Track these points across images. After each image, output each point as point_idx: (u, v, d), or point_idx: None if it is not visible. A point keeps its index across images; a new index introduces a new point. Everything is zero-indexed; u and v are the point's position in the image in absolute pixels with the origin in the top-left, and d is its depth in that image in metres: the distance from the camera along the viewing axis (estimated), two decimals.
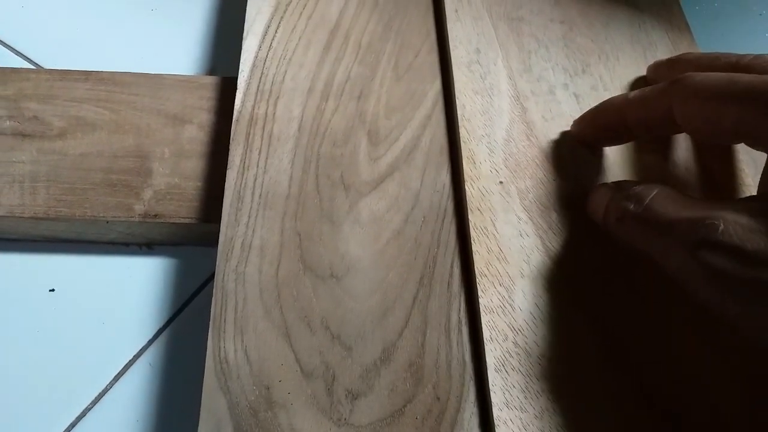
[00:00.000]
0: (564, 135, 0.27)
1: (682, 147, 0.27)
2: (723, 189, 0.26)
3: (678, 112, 0.22)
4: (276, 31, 0.30)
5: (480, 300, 0.22)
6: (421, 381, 0.21)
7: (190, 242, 0.28)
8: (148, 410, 0.24)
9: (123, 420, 0.24)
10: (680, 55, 0.28)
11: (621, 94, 0.25)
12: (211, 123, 0.29)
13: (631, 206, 0.21)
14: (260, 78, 0.28)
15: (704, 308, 0.19)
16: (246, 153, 0.26)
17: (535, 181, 0.25)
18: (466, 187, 0.25)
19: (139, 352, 0.26)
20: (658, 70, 0.29)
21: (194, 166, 0.28)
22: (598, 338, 0.22)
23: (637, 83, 0.29)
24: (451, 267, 0.24)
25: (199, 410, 0.20)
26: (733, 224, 0.18)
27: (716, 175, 0.26)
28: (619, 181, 0.23)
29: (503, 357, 0.21)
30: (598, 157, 0.26)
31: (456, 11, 0.31)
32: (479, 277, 0.23)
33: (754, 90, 0.20)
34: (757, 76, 0.20)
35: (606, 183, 0.24)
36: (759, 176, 0.22)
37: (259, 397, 0.20)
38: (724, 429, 0.21)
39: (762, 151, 0.21)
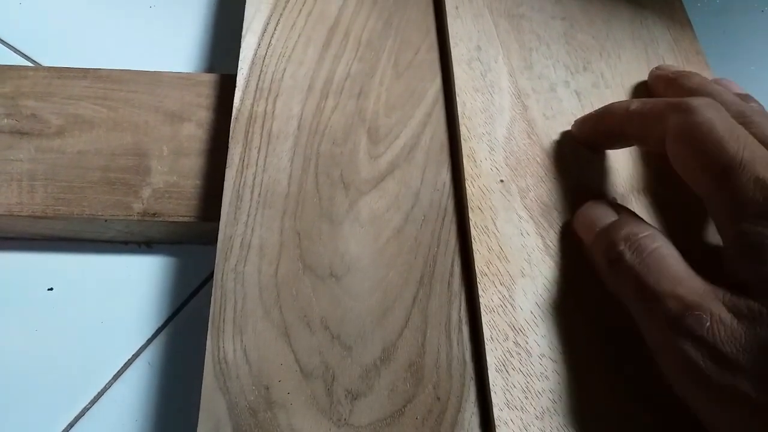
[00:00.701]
0: (565, 133, 0.27)
1: None
2: None
3: (668, 147, 0.22)
4: (275, 29, 0.29)
5: (480, 299, 0.22)
6: (421, 381, 0.21)
7: (189, 241, 0.28)
8: (147, 410, 0.24)
9: (122, 420, 0.24)
10: (681, 74, 0.27)
11: (623, 103, 0.24)
12: (210, 121, 0.29)
13: (628, 255, 0.20)
14: (259, 75, 0.28)
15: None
16: (245, 151, 0.25)
17: (536, 180, 0.25)
18: (467, 186, 0.25)
19: (138, 351, 0.26)
20: (657, 82, 0.28)
21: (193, 165, 0.27)
22: (599, 337, 0.22)
23: (639, 87, 0.29)
24: (452, 266, 0.23)
25: (198, 410, 0.20)
26: (718, 323, 0.18)
27: None
28: (622, 208, 0.23)
29: (504, 357, 0.21)
30: (601, 156, 0.26)
31: (456, 8, 0.30)
32: (480, 276, 0.23)
33: (732, 171, 0.20)
34: (749, 151, 0.20)
35: (605, 204, 0.23)
36: None
37: (258, 397, 0.20)
38: None
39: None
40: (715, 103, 0.21)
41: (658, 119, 0.22)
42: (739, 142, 0.20)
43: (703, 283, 0.19)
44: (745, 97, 0.26)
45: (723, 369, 0.17)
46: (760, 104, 0.26)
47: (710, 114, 0.21)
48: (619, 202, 0.25)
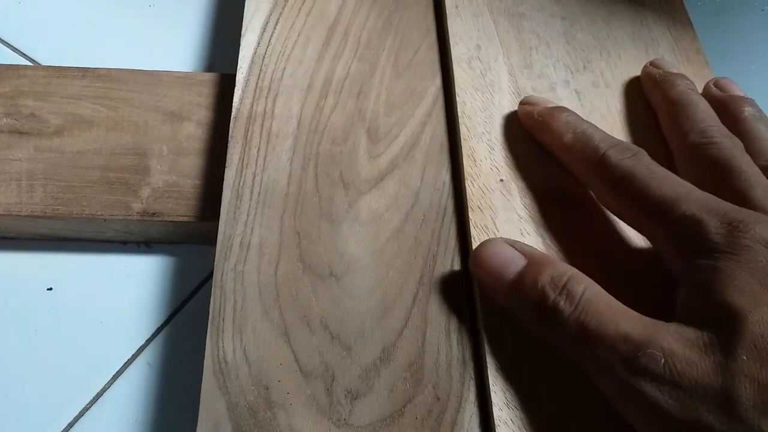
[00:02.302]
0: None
1: None
2: None
3: (597, 192, 0.23)
4: (275, 28, 0.29)
5: (479, 299, 0.22)
6: (421, 381, 0.21)
7: (189, 241, 0.28)
8: (147, 410, 0.24)
9: (121, 420, 0.24)
10: (666, 79, 0.27)
11: (562, 125, 0.25)
12: (209, 120, 0.29)
13: (561, 303, 0.19)
14: (259, 75, 0.28)
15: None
16: (245, 151, 0.25)
17: (536, 179, 0.25)
18: (467, 185, 0.25)
19: (137, 351, 0.26)
20: (646, 81, 0.29)
21: (192, 164, 0.27)
22: None
23: (639, 86, 0.29)
24: (452, 266, 0.23)
25: (197, 410, 0.20)
26: (672, 357, 0.18)
27: None
28: (526, 247, 0.22)
29: (504, 357, 0.21)
30: (613, 213, 0.26)
31: (456, 7, 0.30)
32: None
33: (664, 205, 0.20)
34: (669, 183, 0.21)
35: (504, 243, 0.22)
36: None
37: (258, 397, 0.20)
38: None
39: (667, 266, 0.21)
40: (635, 152, 0.22)
41: (584, 166, 0.23)
42: (662, 184, 0.21)
43: (642, 317, 0.19)
44: (743, 100, 0.26)
45: (684, 403, 0.17)
46: (757, 109, 0.26)
47: (629, 163, 0.22)
48: None
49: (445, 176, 0.26)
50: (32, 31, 0.34)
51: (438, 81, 0.29)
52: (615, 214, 0.23)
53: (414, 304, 0.22)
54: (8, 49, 0.33)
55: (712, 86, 0.28)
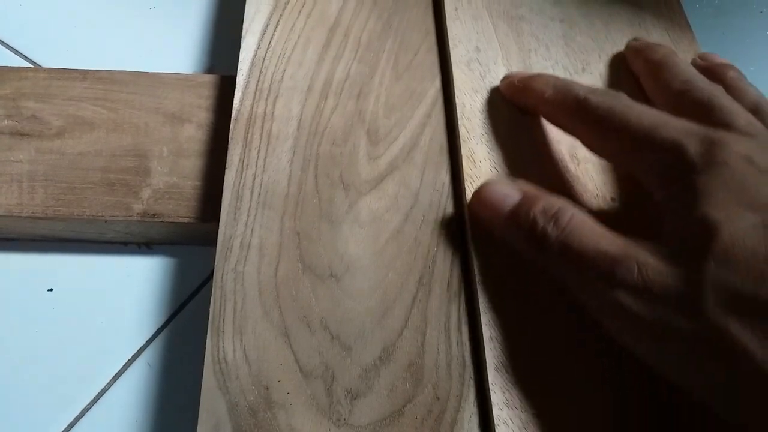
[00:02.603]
0: (564, 134, 0.27)
1: None
2: None
3: (579, 134, 0.24)
4: (275, 30, 0.29)
5: (480, 299, 0.22)
6: (420, 381, 0.21)
7: (189, 242, 0.28)
8: (147, 410, 0.24)
9: (121, 420, 0.24)
10: (648, 46, 0.29)
11: (542, 83, 0.26)
12: (209, 122, 0.29)
13: (550, 229, 0.21)
14: (259, 77, 0.28)
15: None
16: (245, 152, 0.25)
17: (535, 180, 0.25)
18: (466, 186, 0.25)
19: (137, 351, 0.26)
20: (629, 53, 0.30)
21: (193, 166, 0.27)
22: (599, 337, 0.22)
23: (617, 59, 0.30)
24: (451, 266, 0.24)
25: (197, 410, 0.20)
26: (645, 267, 0.19)
27: None
28: (523, 184, 0.23)
29: (503, 357, 0.21)
30: (600, 156, 0.26)
31: (455, 9, 0.31)
32: (479, 277, 0.23)
33: (644, 134, 0.21)
34: (647, 114, 0.22)
35: (503, 182, 0.23)
36: None
37: (258, 397, 0.20)
38: (723, 425, 0.21)
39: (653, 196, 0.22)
40: (614, 94, 0.23)
41: (568, 117, 0.24)
42: (641, 115, 0.22)
43: (623, 238, 0.20)
44: (724, 70, 0.27)
45: (655, 309, 0.18)
46: (741, 73, 0.27)
47: (609, 102, 0.23)
48: (617, 201, 0.25)
49: (445, 177, 0.26)
50: (33, 34, 0.34)
51: (437, 83, 0.29)
52: (601, 155, 0.24)
53: (414, 304, 0.23)
54: (9, 51, 0.33)
55: (697, 59, 0.29)
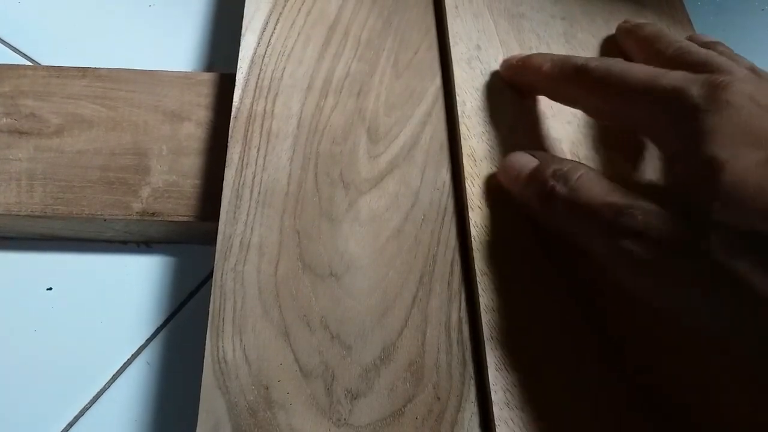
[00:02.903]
0: (565, 132, 0.27)
1: None
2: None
3: (581, 100, 0.24)
4: (275, 28, 0.29)
5: (480, 299, 0.22)
6: (421, 381, 0.21)
7: (189, 240, 0.28)
8: (146, 409, 0.24)
9: (121, 419, 0.24)
10: (637, 25, 0.29)
11: (540, 60, 0.26)
12: (209, 120, 0.29)
13: (558, 186, 0.21)
14: (259, 75, 0.28)
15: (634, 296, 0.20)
16: (244, 150, 0.25)
17: None
18: (467, 185, 0.25)
19: (137, 350, 0.26)
20: (620, 34, 0.30)
21: (192, 164, 0.27)
22: (600, 337, 0.22)
23: (608, 41, 0.30)
24: (452, 265, 0.23)
25: (197, 410, 0.20)
26: (648, 214, 0.19)
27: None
28: (542, 153, 0.24)
29: (504, 356, 0.21)
30: (600, 153, 0.26)
31: (456, 7, 0.30)
32: (480, 276, 0.23)
33: (643, 86, 0.21)
34: (656, 74, 0.21)
35: (525, 152, 0.24)
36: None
37: (258, 396, 0.20)
38: (723, 427, 0.21)
39: (661, 152, 0.22)
40: (612, 59, 0.23)
41: (569, 82, 0.24)
42: (640, 71, 0.22)
43: (629, 191, 0.20)
44: (714, 45, 0.27)
45: (660, 253, 0.18)
46: (727, 48, 0.27)
47: (607, 63, 0.23)
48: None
49: (445, 176, 0.26)
50: (32, 31, 0.34)
51: (438, 81, 0.29)
52: (601, 118, 0.25)
53: (414, 303, 0.22)
54: (8, 49, 0.33)
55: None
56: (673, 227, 0.18)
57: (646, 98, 0.21)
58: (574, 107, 0.25)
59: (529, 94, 0.27)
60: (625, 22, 0.30)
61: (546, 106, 0.27)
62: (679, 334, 0.20)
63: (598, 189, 0.21)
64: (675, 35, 0.27)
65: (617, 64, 0.23)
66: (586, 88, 0.24)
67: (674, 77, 0.21)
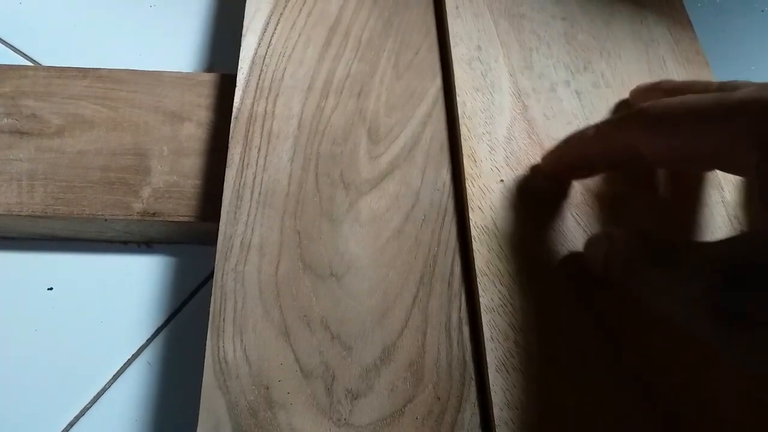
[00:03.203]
0: (565, 132, 0.27)
1: None
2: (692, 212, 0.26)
3: (643, 143, 0.21)
4: (275, 28, 0.29)
5: (480, 299, 0.22)
6: (421, 381, 0.21)
7: (189, 241, 0.28)
8: (147, 409, 0.24)
9: (122, 419, 0.24)
10: (659, 82, 0.27)
11: (585, 128, 0.24)
12: (209, 120, 0.29)
13: (632, 264, 0.20)
14: (259, 75, 0.28)
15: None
16: (245, 151, 0.25)
17: (536, 180, 0.25)
18: (467, 186, 0.25)
19: (137, 351, 0.26)
20: (637, 96, 0.28)
21: (193, 164, 0.27)
22: (600, 337, 0.22)
23: (620, 106, 0.28)
24: (452, 266, 0.23)
25: (198, 410, 0.20)
26: (737, 264, 0.17)
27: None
28: (608, 234, 0.22)
29: (504, 356, 0.21)
30: (673, 162, 0.26)
31: (456, 8, 0.30)
32: (480, 276, 0.23)
33: (722, 107, 0.19)
34: (721, 94, 0.19)
35: (597, 236, 0.23)
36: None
37: (258, 397, 0.20)
38: (722, 428, 0.21)
39: (742, 175, 0.20)
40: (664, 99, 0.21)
41: (621, 127, 0.22)
42: (702, 97, 0.20)
43: (704, 245, 0.19)
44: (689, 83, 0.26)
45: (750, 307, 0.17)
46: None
47: (663, 102, 0.21)
48: (619, 200, 0.25)
49: (446, 176, 0.26)
50: (33, 32, 0.34)
51: (438, 81, 0.29)
52: (673, 158, 0.22)
53: (414, 303, 0.22)
54: (9, 49, 0.33)
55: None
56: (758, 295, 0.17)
57: (726, 116, 0.19)
58: (634, 163, 0.23)
59: (583, 176, 0.25)
60: (637, 87, 0.28)
61: (546, 107, 0.28)
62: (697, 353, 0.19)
63: (671, 253, 0.19)
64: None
65: (673, 99, 0.21)
66: (643, 129, 0.21)
67: (748, 90, 0.19)
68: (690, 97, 0.20)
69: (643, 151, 0.22)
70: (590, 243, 0.23)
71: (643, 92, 0.27)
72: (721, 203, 0.25)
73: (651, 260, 0.20)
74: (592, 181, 0.25)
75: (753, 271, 0.17)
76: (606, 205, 0.25)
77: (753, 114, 0.19)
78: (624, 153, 0.22)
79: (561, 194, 0.25)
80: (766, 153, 0.18)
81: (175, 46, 0.35)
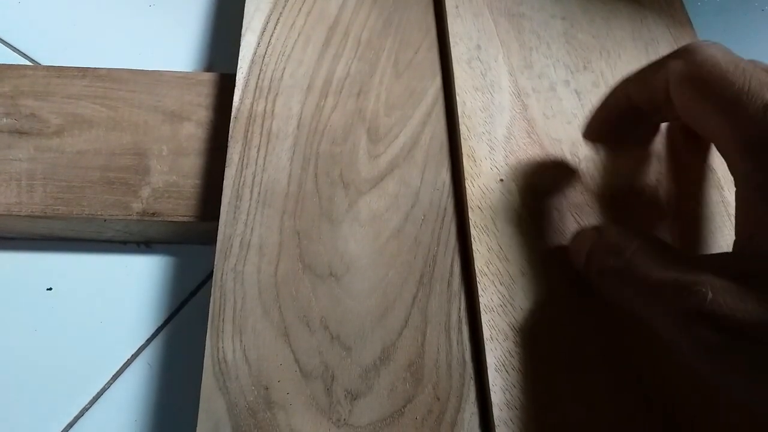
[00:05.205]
0: (565, 132, 0.27)
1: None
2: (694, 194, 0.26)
3: (673, 94, 0.21)
4: (275, 28, 0.29)
5: (480, 299, 0.22)
6: (421, 381, 0.21)
7: (189, 241, 0.28)
8: (147, 410, 0.24)
9: (121, 420, 0.24)
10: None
11: (620, 79, 0.23)
12: (209, 120, 0.29)
13: (612, 260, 0.20)
14: (259, 75, 0.28)
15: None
16: (244, 150, 0.25)
17: (535, 179, 0.25)
18: (467, 185, 0.25)
19: (137, 351, 0.26)
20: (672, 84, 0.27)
21: (192, 164, 0.27)
22: (600, 338, 0.22)
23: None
24: (451, 266, 0.23)
25: (197, 410, 0.20)
26: (720, 291, 0.16)
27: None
28: (599, 228, 0.22)
29: (503, 356, 0.21)
30: (600, 155, 0.26)
31: (456, 7, 0.30)
32: (479, 276, 0.23)
33: (740, 97, 0.18)
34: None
35: (586, 229, 0.22)
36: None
37: (257, 397, 0.20)
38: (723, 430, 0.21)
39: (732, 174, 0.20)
40: (717, 44, 0.20)
41: (658, 70, 0.21)
42: (745, 74, 0.19)
43: (694, 259, 0.18)
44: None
45: (735, 340, 0.16)
46: None
47: (712, 51, 0.20)
48: (619, 200, 0.25)
49: (445, 176, 0.26)
50: (32, 31, 0.34)
51: (438, 81, 0.29)
52: (685, 114, 0.21)
53: (414, 303, 0.22)
54: (8, 49, 0.33)
55: None
56: (748, 315, 0.16)
57: (735, 113, 0.19)
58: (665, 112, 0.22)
59: (623, 125, 0.24)
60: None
61: (545, 106, 0.27)
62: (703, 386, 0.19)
63: (656, 261, 0.18)
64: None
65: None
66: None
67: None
68: (731, 71, 0.19)
69: (675, 104, 0.21)
70: (578, 234, 0.23)
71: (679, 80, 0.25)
72: (721, 203, 0.25)
73: (632, 262, 0.19)
74: (592, 181, 0.25)
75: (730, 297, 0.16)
76: (606, 205, 0.25)
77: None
78: (664, 99, 0.21)
79: (561, 194, 0.25)
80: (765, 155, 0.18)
81: (174, 45, 0.35)
